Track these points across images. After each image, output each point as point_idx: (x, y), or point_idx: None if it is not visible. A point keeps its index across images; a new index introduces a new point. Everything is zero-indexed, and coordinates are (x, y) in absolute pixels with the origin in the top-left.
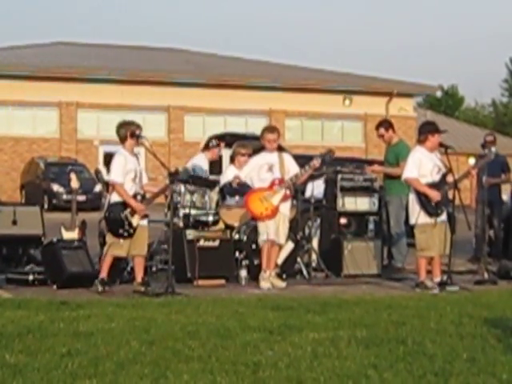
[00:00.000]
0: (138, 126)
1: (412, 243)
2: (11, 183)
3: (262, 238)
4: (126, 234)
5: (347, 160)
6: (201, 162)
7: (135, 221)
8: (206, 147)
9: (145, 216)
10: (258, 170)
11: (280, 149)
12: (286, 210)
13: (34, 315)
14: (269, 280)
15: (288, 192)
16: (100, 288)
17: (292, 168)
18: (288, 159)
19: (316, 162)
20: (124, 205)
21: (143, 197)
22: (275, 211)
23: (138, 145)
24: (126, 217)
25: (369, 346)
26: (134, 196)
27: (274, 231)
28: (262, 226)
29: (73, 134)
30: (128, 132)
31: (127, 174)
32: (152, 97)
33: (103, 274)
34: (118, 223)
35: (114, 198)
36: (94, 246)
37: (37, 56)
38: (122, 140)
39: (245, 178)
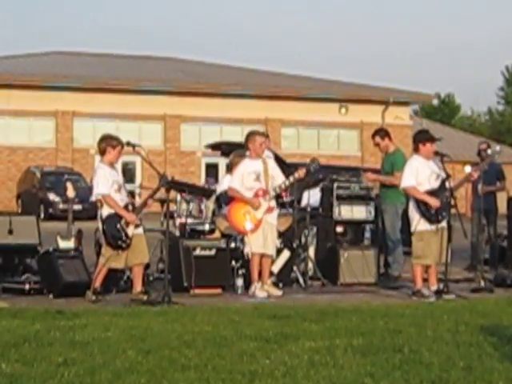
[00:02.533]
0: (117, 139)
1: (408, 252)
2: (7, 193)
3: (247, 249)
4: (124, 245)
5: (343, 168)
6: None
7: (130, 231)
8: None
9: (137, 225)
10: (245, 179)
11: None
12: (273, 219)
13: (30, 324)
14: (263, 289)
15: (272, 204)
16: (93, 297)
17: (276, 174)
18: (272, 166)
19: (301, 173)
20: (118, 216)
21: (133, 206)
22: (258, 225)
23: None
24: (121, 228)
25: (365, 355)
26: (126, 206)
27: (261, 243)
28: (248, 237)
29: (69, 143)
30: (107, 146)
31: (111, 186)
32: (148, 106)
33: (96, 284)
34: (115, 236)
35: (106, 211)
36: (90, 255)
37: (33, 65)
38: (102, 153)
39: (241, 189)
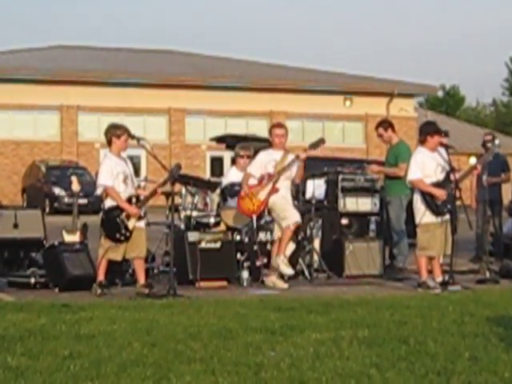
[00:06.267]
0: (121, 128)
1: (413, 243)
2: (13, 187)
3: (286, 223)
4: (123, 238)
5: (348, 161)
6: None
7: (131, 224)
8: None
9: (139, 218)
10: (263, 167)
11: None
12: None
13: (35, 318)
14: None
15: (277, 185)
16: (98, 291)
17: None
18: (290, 159)
19: (304, 155)
20: (119, 209)
21: (137, 199)
22: (261, 206)
23: (135, 146)
24: (122, 221)
25: (371, 346)
26: (129, 198)
27: (297, 214)
28: (284, 212)
29: (74, 137)
30: (111, 136)
31: (116, 176)
32: (153, 99)
33: (100, 277)
34: (114, 228)
35: (109, 203)
36: (95, 248)
37: (38, 59)
38: (109, 143)
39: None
